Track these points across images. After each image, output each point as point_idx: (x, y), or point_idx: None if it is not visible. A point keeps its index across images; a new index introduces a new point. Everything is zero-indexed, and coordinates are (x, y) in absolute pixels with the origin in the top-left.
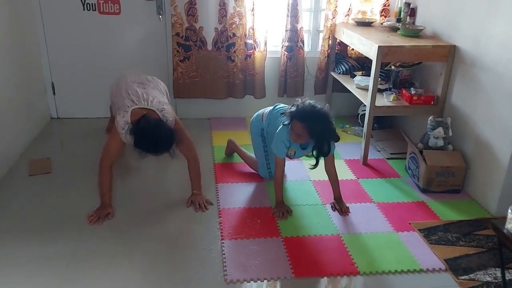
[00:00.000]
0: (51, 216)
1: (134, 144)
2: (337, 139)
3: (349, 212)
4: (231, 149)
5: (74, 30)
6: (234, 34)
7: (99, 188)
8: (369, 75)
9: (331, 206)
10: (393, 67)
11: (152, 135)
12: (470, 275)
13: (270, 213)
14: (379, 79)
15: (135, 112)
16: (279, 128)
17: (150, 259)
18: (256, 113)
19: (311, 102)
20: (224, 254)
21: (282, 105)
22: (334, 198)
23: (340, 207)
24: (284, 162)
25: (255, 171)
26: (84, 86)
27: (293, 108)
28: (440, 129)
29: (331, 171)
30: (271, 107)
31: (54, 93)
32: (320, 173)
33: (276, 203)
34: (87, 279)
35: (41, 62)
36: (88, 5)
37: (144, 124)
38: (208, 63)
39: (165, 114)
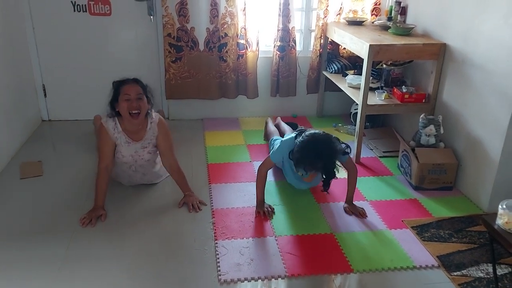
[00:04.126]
0: (43, 219)
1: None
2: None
3: (366, 214)
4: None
5: (64, 32)
6: (226, 34)
7: (95, 190)
8: (361, 74)
9: (345, 211)
10: (384, 65)
11: None
12: (463, 271)
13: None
14: (371, 77)
15: None
16: (285, 138)
17: (143, 260)
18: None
19: (313, 136)
20: (218, 255)
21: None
22: (346, 201)
23: (355, 210)
24: (272, 165)
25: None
26: (75, 88)
27: (310, 147)
28: (432, 126)
29: (351, 172)
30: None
31: (45, 95)
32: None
33: (256, 203)
34: (80, 282)
35: (32, 64)
36: (78, 6)
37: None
38: (200, 63)
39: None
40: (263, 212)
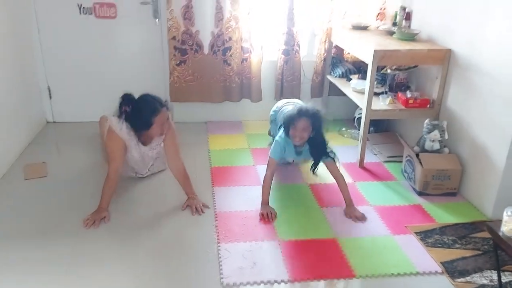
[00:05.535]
0: (47, 220)
1: (132, 118)
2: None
3: (366, 218)
4: None
5: (70, 34)
6: (230, 38)
7: (102, 191)
8: (365, 79)
9: (345, 214)
10: (389, 70)
11: (141, 97)
12: (467, 278)
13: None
14: (375, 82)
15: None
16: (278, 135)
17: (146, 263)
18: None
19: (308, 104)
20: (221, 258)
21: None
22: (346, 205)
23: (354, 214)
24: (276, 165)
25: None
26: (80, 90)
27: (298, 107)
28: (436, 132)
29: (337, 177)
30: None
31: (50, 97)
32: (317, 177)
33: (261, 204)
34: (83, 284)
35: (37, 66)
36: (84, 9)
37: (130, 95)
38: (204, 66)
39: None
40: (266, 214)
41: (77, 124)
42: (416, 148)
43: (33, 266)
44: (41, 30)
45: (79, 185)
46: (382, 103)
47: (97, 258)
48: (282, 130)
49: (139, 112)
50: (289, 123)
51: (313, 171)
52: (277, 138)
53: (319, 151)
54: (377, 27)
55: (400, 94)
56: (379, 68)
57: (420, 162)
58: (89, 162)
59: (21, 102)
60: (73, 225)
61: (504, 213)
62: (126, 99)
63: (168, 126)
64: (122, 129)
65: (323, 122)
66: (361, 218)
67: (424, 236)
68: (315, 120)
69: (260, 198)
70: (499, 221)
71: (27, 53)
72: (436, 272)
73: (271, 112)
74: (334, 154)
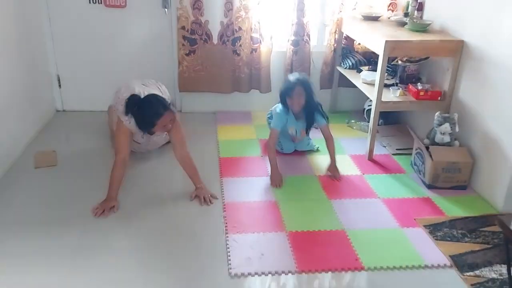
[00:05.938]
0: (57, 209)
1: (136, 118)
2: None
3: (340, 179)
4: None
5: (80, 23)
6: (240, 28)
7: (109, 180)
8: (375, 70)
9: (326, 173)
10: (400, 62)
11: (146, 99)
12: (476, 272)
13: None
14: (386, 74)
15: None
16: (277, 109)
17: (154, 252)
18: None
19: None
20: (229, 248)
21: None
22: (330, 162)
23: (332, 170)
24: (278, 134)
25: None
26: (90, 79)
27: (290, 79)
28: (447, 125)
29: (328, 137)
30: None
31: (59, 86)
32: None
33: (272, 172)
34: (92, 272)
35: (47, 55)
36: None
37: (136, 96)
38: (213, 57)
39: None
40: (278, 181)
41: (87, 113)
42: (426, 141)
43: (42, 255)
44: (51, 18)
45: (88, 174)
46: (393, 95)
47: (106, 247)
48: (280, 105)
49: (143, 113)
50: (285, 95)
51: (306, 132)
52: (277, 111)
53: (314, 110)
54: (389, 18)
55: (410, 86)
56: (389, 60)
57: (430, 155)
58: (98, 151)
59: (30, 91)
60: (82, 213)
61: None
62: (132, 100)
63: (172, 123)
64: (130, 123)
65: (312, 85)
66: (336, 175)
67: (433, 229)
68: (306, 85)
69: (269, 189)
70: (510, 215)
71: (37, 42)
72: (445, 266)
73: (268, 112)
74: (327, 116)
